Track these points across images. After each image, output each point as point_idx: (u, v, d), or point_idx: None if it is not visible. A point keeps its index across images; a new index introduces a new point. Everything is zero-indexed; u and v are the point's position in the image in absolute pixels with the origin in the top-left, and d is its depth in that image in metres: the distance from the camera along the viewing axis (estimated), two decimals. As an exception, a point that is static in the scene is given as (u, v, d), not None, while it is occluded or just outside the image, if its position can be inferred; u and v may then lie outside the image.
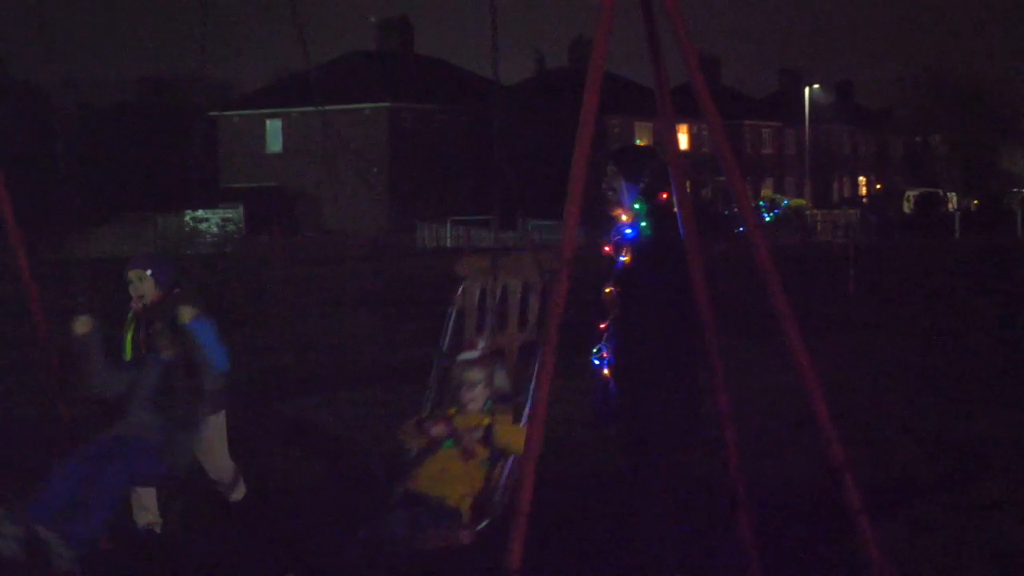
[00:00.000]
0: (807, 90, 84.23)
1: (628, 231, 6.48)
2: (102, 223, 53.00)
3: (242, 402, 8.84)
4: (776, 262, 5.93)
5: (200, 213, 56.87)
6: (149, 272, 7.83)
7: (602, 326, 6.51)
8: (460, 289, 7.63)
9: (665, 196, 6.52)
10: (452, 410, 7.19)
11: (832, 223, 59.71)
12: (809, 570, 7.03)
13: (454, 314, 7.61)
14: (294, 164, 67.76)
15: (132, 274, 7.83)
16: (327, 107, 65.27)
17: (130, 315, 7.92)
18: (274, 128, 70.61)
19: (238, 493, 8.23)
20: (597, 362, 6.56)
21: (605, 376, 6.49)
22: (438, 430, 7.08)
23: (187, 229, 54.93)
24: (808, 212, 65.46)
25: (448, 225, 56.96)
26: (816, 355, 5.99)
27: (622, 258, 6.46)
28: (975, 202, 73.82)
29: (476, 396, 7.14)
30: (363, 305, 23.64)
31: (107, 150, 64.11)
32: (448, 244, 54.26)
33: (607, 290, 6.49)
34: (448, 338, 7.58)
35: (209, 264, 23.91)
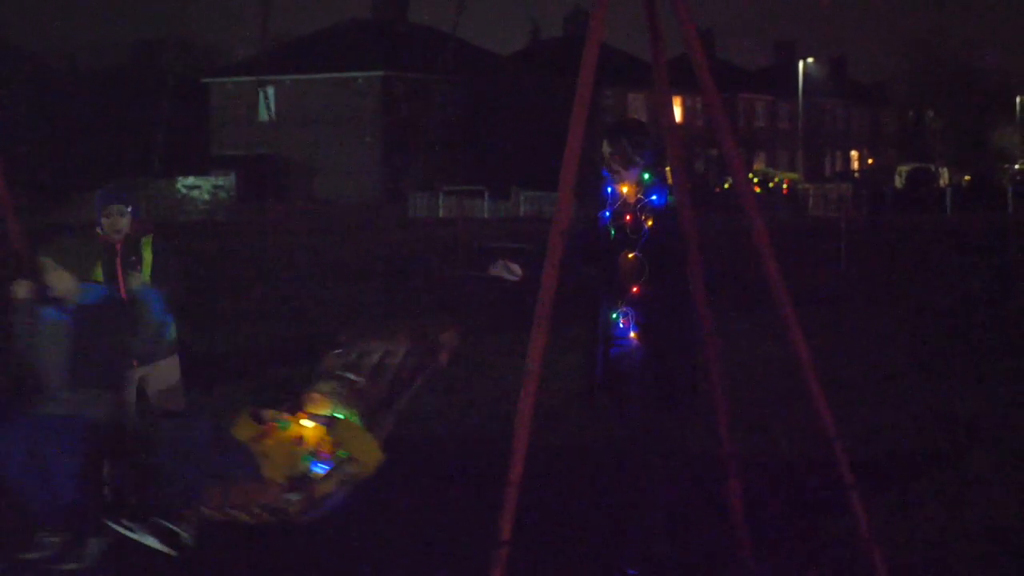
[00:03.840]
0: (801, 64, 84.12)
1: (654, 198, 6.62)
2: (92, 189, 52.86)
3: (236, 370, 8.86)
4: (770, 236, 5.93)
5: (192, 180, 56.80)
6: (129, 208, 7.90)
7: (635, 290, 6.61)
8: (336, 351, 7.30)
9: (667, 168, 6.67)
10: (293, 406, 6.83)
11: (824, 197, 59.72)
12: (799, 544, 7.05)
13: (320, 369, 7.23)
14: (286, 132, 67.58)
15: (115, 208, 7.85)
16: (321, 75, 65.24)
17: (97, 247, 7.78)
18: (268, 95, 70.33)
19: None
20: (621, 325, 6.65)
21: (632, 339, 6.62)
22: (272, 413, 6.73)
23: (178, 196, 54.85)
24: (800, 186, 65.44)
25: (440, 195, 56.88)
26: (808, 328, 6.00)
27: (647, 225, 6.60)
28: (967, 178, 73.83)
29: (324, 407, 6.76)
30: (355, 274, 23.63)
31: (98, 115, 63.90)
32: (440, 214, 54.21)
33: (630, 256, 6.60)
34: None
35: (201, 231, 23.86)
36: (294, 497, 6.33)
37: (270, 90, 68.68)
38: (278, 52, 68.13)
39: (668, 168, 6.64)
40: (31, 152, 53.93)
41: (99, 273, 7.78)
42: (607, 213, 6.76)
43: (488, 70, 68.67)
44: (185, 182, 56.40)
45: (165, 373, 8.05)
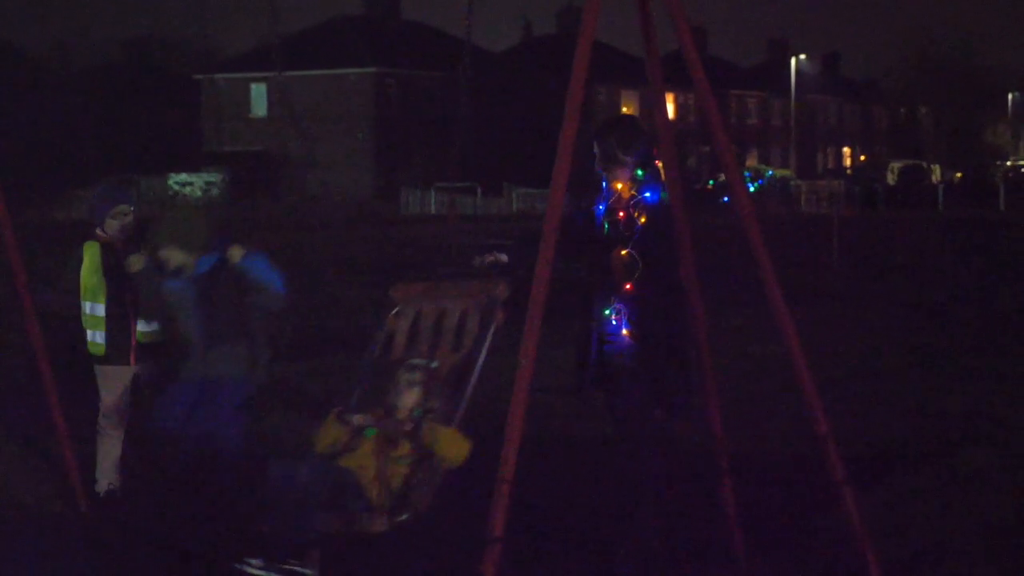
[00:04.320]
0: (793, 61, 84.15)
1: (648, 195, 6.61)
2: (83, 186, 52.81)
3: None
4: (763, 232, 5.93)
5: (184, 177, 56.75)
6: (132, 208, 8.02)
7: (628, 287, 6.60)
8: (394, 311, 7.47)
9: (659, 163, 6.66)
10: (380, 411, 6.97)
11: (816, 194, 59.73)
12: (791, 540, 7.06)
13: (383, 336, 7.44)
14: (278, 128, 67.50)
15: (124, 209, 7.94)
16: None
17: (93, 246, 7.90)
18: (259, 92, 70.28)
19: None
20: (614, 322, 6.64)
21: (624, 336, 6.61)
22: (361, 418, 6.91)
23: (170, 193, 54.80)
24: (793, 183, 65.47)
25: (432, 192, 56.86)
26: (800, 325, 6.00)
27: (639, 223, 6.58)
28: (958, 174, 73.87)
29: (409, 400, 6.93)
30: (347, 271, 23.60)
31: (91, 112, 63.83)
32: (432, 211, 54.18)
33: (623, 252, 6.59)
34: (376, 354, 7.40)
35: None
36: (400, 518, 6.56)
37: (263, 86, 68.64)
38: (270, 49, 68.05)
39: (660, 164, 6.64)
40: (21, 148, 53.83)
41: (92, 268, 7.81)
42: (602, 207, 6.76)
43: (481, 67, 68.61)
44: (177, 178, 56.36)
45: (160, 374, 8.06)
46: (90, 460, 8.41)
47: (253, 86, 70.34)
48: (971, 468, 8.57)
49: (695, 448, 7.77)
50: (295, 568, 6.47)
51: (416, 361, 7.10)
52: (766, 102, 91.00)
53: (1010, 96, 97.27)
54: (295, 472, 6.62)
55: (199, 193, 55.56)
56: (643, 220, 6.62)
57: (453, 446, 6.68)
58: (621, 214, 6.66)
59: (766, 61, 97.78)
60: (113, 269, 7.84)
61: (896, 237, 31.36)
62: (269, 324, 7.72)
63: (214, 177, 57.87)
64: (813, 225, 33.17)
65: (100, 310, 7.88)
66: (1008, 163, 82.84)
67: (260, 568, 6.46)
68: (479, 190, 55.23)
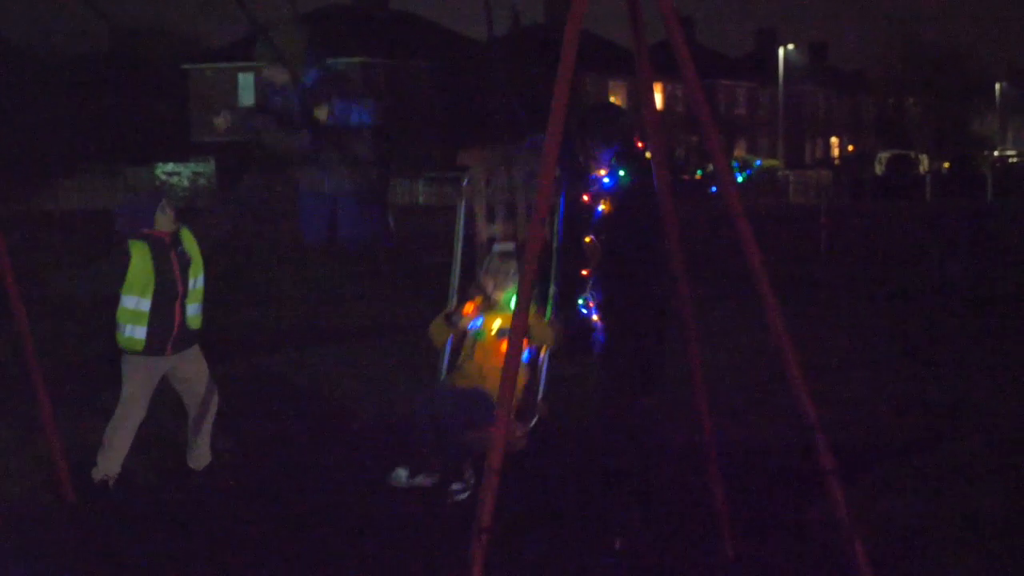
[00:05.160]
0: (781, 51, 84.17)
1: (606, 180, 6.56)
2: (71, 175, 52.72)
3: (215, 358, 8.90)
4: (751, 223, 5.93)
5: (171, 167, 56.60)
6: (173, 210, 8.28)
7: (584, 273, 6.59)
8: (465, 180, 7.81)
9: (641, 144, 6.62)
10: (479, 299, 7.51)
11: (804, 184, 59.77)
12: (779, 530, 7.07)
13: (463, 206, 7.80)
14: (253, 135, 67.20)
15: (167, 202, 8.21)
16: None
17: (140, 245, 8.05)
18: (246, 82, 70.07)
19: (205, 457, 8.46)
20: (585, 311, 6.65)
21: (595, 322, 6.62)
22: (466, 319, 7.54)
23: (157, 183, 54.65)
24: (781, 173, 65.51)
25: (421, 182, 56.75)
26: (788, 315, 6.00)
27: (600, 208, 6.55)
28: (946, 164, 73.96)
29: (505, 288, 7.46)
30: (333, 261, 23.56)
31: (77, 101, 63.65)
32: (420, 201, 54.10)
33: (587, 239, 6.57)
34: (462, 230, 7.77)
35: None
36: (531, 424, 7.27)
37: (250, 76, 68.45)
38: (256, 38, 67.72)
39: (640, 143, 6.63)
40: (5, 139, 53.67)
41: (149, 268, 7.96)
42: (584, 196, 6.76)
43: (469, 56, 68.52)
44: (164, 168, 56.20)
45: (194, 360, 8.34)
46: (79, 451, 8.41)
47: (241, 76, 70.14)
48: (958, 458, 8.59)
49: (682, 437, 7.78)
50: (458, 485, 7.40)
51: (505, 247, 7.39)
52: (754, 92, 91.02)
53: (997, 86, 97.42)
54: (435, 399, 7.38)
55: (186, 183, 55.39)
56: (605, 206, 6.58)
57: (545, 329, 7.13)
58: (585, 197, 6.64)
59: (754, 51, 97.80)
60: (163, 264, 8.07)
61: (884, 227, 31.41)
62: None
63: (202, 167, 57.69)
64: (801, 215, 33.21)
65: (146, 305, 8.05)
66: (996, 153, 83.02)
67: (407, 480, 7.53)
68: (467, 180, 55.14)
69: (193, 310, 8.24)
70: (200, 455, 8.44)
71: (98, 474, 8.09)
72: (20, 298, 7.73)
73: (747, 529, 6.85)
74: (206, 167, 57.86)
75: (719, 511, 6.61)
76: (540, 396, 7.37)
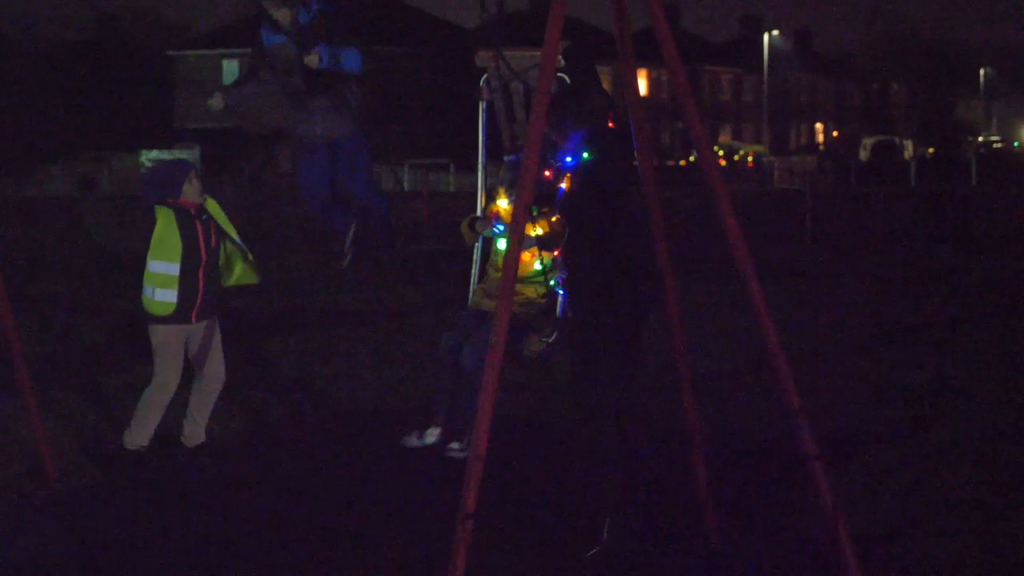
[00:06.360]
0: (766, 37, 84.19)
1: (568, 159, 6.53)
2: (55, 162, 52.54)
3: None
4: (734, 208, 5.93)
5: (155, 153, 56.41)
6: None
7: (556, 253, 6.58)
8: (483, 80, 7.96)
9: (611, 124, 6.58)
10: (497, 206, 7.85)
11: (789, 170, 59.82)
12: (763, 515, 7.08)
13: (483, 106, 7.94)
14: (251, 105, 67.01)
15: (196, 173, 8.38)
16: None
17: (165, 211, 8.19)
18: (231, 69, 69.81)
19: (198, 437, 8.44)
20: (561, 292, 6.66)
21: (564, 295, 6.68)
22: (488, 226, 7.85)
23: (142, 170, 54.47)
24: (766, 159, 65.57)
25: (405, 168, 56.65)
26: (772, 301, 6.01)
27: (562, 186, 6.52)
28: (931, 150, 74.08)
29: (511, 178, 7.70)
30: (320, 248, 23.52)
31: (62, 87, 63.40)
32: (405, 187, 54.01)
33: (554, 219, 6.54)
34: (483, 135, 7.93)
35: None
36: (551, 338, 7.62)
37: (235, 63, 68.23)
38: (242, 25, 67.59)
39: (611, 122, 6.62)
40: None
41: (178, 236, 8.16)
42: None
43: (453, 42, 68.39)
44: (149, 155, 56.00)
45: (213, 330, 8.43)
46: (61, 439, 8.40)
47: (225, 62, 69.93)
48: (940, 443, 8.61)
49: (666, 424, 7.80)
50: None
51: (515, 158, 7.55)
52: (739, 78, 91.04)
53: (982, 72, 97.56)
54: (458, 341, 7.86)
55: (171, 170, 55.20)
56: (566, 185, 6.54)
57: (555, 228, 7.01)
58: (547, 172, 6.60)
59: (739, 37, 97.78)
60: (188, 231, 8.20)
61: (868, 212, 31.46)
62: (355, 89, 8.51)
63: (186, 154, 57.51)
64: (786, 201, 33.24)
65: (175, 269, 8.19)
66: (980, 138, 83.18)
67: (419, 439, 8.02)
68: (452, 166, 55.06)
69: (214, 279, 8.38)
70: (195, 433, 8.43)
71: (132, 444, 8.19)
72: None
73: (730, 514, 6.86)
74: (191, 153, 57.66)
75: (702, 496, 6.61)
76: (560, 311, 7.46)
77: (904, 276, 18.24)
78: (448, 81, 66.14)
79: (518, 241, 5.53)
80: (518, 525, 6.94)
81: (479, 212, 8.26)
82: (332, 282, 17.56)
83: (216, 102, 8.43)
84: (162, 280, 8.18)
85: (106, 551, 6.75)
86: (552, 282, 6.80)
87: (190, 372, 8.48)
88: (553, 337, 7.59)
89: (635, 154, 6.39)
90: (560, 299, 7.36)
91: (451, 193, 50.03)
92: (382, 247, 8.82)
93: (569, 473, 7.52)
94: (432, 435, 8.20)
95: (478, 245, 8.34)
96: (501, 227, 7.87)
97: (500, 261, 7.83)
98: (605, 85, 7.04)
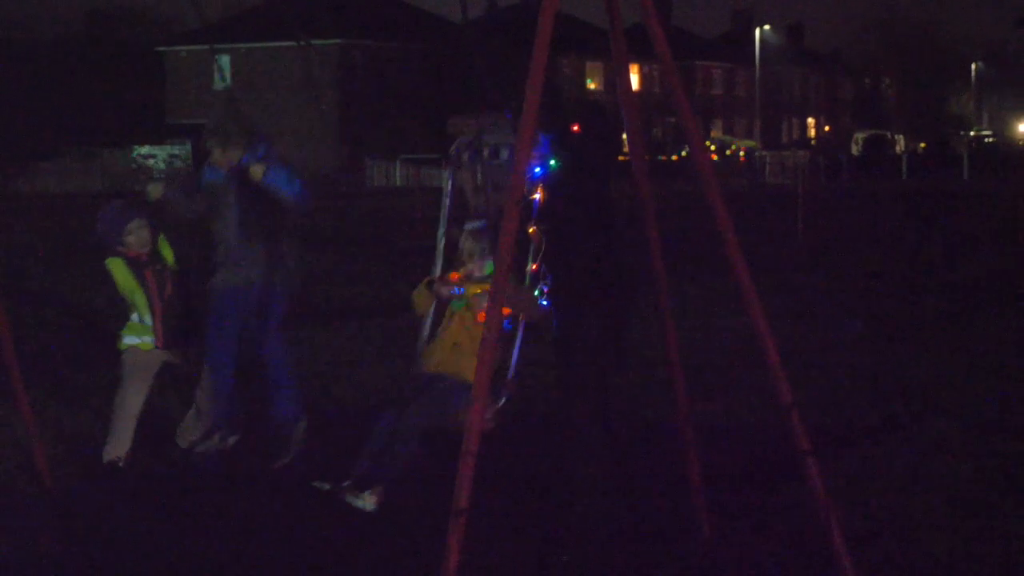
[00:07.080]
0: (758, 31, 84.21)
1: (537, 170, 6.53)
2: (47, 158, 52.43)
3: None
4: (726, 203, 5.93)
5: (147, 149, 56.35)
6: (147, 222, 8.27)
7: (534, 267, 6.59)
8: (453, 148, 7.92)
9: (576, 128, 6.58)
10: (460, 272, 7.50)
11: (781, 165, 59.86)
12: (756, 510, 7.08)
13: (449, 176, 7.87)
14: (242, 100, 67.00)
15: (139, 222, 8.22)
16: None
17: (117, 262, 8.17)
18: (223, 64, 69.73)
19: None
20: (546, 302, 6.64)
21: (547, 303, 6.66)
22: (447, 288, 7.48)
23: (134, 166, 54.41)
24: (757, 154, 65.58)
25: (398, 163, 56.66)
26: (764, 296, 6.01)
27: (536, 197, 6.52)
28: (922, 145, 74.14)
29: (481, 264, 7.39)
30: (314, 243, 23.50)
31: (53, 84, 63.30)
32: (397, 183, 54.01)
33: (531, 230, 6.55)
34: (448, 200, 7.84)
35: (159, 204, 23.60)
36: (499, 403, 7.15)
37: (225, 58, 68.19)
38: (234, 20, 67.55)
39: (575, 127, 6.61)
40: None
41: (139, 288, 8.16)
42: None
43: (445, 37, 68.37)
44: (140, 151, 55.95)
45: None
46: (55, 439, 8.38)
47: (217, 58, 69.78)
48: (933, 438, 8.61)
49: (659, 418, 7.79)
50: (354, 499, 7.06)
51: (473, 225, 7.45)
52: (731, 73, 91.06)
53: (973, 66, 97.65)
54: (397, 418, 7.16)
55: (163, 165, 55.14)
56: (537, 196, 6.54)
57: (525, 298, 7.03)
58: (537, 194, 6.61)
59: (730, 32, 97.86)
60: (142, 281, 8.18)
61: (860, 207, 31.49)
62: (294, 228, 8.23)
63: (178, 150, 57.44)
64: (777, 196, 33.27)
65: (149, 319, 8.21)
66: (971, 133, 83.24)
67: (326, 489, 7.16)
68: (444, 161, 55.09)
69: (173, 324, 8.28)
70: (192, 430, 8.37)
71: (110, 456, 8.10)
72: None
73: (723, 510, 6.86)
74: (182, 149, 57.59)
75: (695, 492, 6.61)
76: (511, 374, 7.30)
77: (896, 270, 18.25)
78: (439, 76, 66.15)
79: (508, 247, 5.51)
80: (510, 520, 6.93)
81: (434, 274, 7.88)
82: (319, 278, 17.54)
83: (155, 190, 8.34)
84: (139, 330, 8.22)
85: (99, 549, 6.74)
86: (537, 292, 6.76)
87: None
88: (503, 402, 7.22)
89: (620, 151, 6.39)
90: (514, 356, 7.23)
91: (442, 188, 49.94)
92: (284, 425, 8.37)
93: (557, 469, 7.52)
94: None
95: (430, 311, 7.91)
96: (461, 290, 7.56)
97: (453, 321, 7.53)
98: (596, 83, 7.03)
